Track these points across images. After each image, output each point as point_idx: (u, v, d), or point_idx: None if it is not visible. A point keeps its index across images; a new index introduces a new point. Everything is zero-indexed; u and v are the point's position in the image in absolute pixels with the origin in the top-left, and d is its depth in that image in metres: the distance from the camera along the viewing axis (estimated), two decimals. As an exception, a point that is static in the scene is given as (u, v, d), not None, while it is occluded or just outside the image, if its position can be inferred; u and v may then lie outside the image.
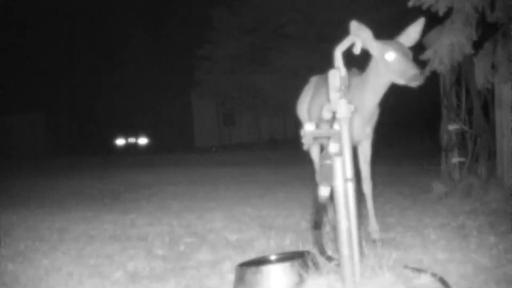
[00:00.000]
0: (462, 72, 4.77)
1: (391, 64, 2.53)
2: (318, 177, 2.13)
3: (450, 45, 4.15)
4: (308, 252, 2.25)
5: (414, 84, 2.49)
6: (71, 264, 2.87)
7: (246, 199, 5.19)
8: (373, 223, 2.98)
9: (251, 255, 2.74)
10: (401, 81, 2.54)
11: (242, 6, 19.71)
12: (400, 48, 2.54)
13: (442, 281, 2.07)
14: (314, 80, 3.56)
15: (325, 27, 17.48)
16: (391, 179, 5.97)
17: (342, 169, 1.97)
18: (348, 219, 1.95)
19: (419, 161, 7.53)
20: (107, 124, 27.78)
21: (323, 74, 3.31)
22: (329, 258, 2.27)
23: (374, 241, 2.88)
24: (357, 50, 2.06)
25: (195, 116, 26.17)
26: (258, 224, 3.75)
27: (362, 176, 2.96)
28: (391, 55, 2.52)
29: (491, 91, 4.45)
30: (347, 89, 1.98)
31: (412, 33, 2.60)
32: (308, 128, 2.08)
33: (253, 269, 2.09)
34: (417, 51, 4.48)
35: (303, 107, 3.50)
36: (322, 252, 2.30)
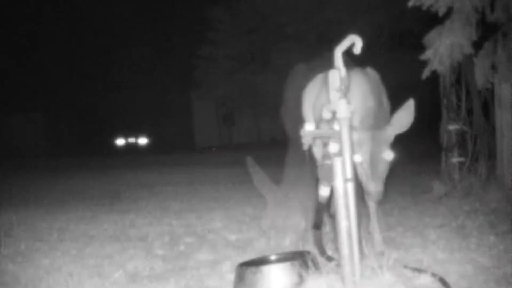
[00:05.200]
0: (462, 72, 4.77)
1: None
2: (319, 177, 2.13)
3: (450, 45, 4.16)
4: (308, 252, 2.25)
5: None
6: (71, 264, 2.86)
7: (246, 199, 5.19)
8: (377, 236, 2.80)
9: (251, 255, 2.74)
10: None
11: (242, 6, 19.71)
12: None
13: (442, 281, 2.07)
14: (320, 77, 3.26)
15: (325, 27, 17.47)
16: (391, 179, 5.94)
17: (342, 169, 1.96)
18: (348, 219, 1.95)
19: (419, 161, 7.52)
20: (107, 124, 27.77)
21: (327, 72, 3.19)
22: (329, 258, 2.27)
23: (382, 253, 2.59)
24: (357, 50, 2.06)
25: (195, 116, 26.17)
26: (258, 224, 3.75)
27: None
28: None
29: (491, 91, 4.45)
30: (347, 89, 1.98)
31: (404, 117, 2.46)
32: (308, 128, 2.08)
33: (253, 269, 2.09)
34: (418, 51, 4.50)
35: (309, 105, 3.25)
36: (322, 252, 2.30)
